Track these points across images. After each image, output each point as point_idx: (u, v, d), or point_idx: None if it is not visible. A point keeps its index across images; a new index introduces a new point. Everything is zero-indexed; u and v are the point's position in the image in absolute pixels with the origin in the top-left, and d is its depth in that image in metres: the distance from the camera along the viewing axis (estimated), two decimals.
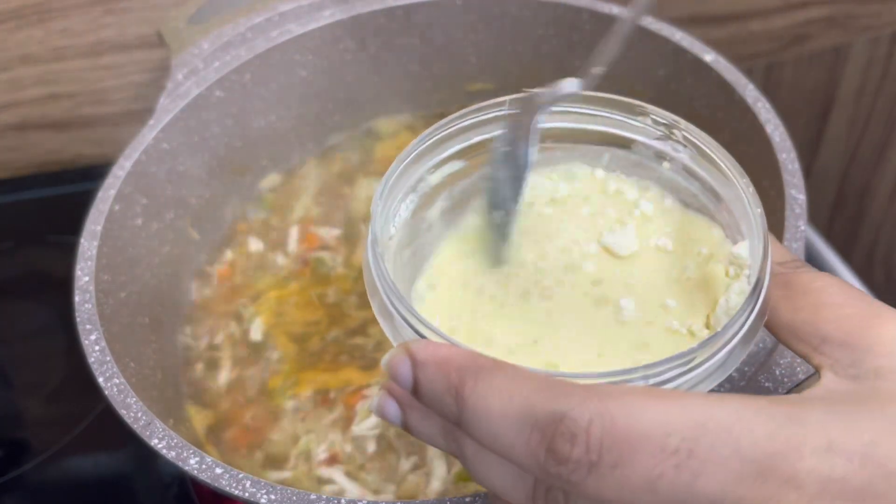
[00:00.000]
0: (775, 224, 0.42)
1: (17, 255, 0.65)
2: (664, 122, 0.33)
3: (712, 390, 0.27)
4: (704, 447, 0.21)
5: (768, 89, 0.80)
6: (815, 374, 0.26)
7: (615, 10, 0.53)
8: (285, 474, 0.45)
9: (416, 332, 0.27)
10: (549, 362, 0.29)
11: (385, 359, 0.26)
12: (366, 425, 0.46)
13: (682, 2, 0.72)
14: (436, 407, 0.25)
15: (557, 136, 0.34)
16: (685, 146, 0.33)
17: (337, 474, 0.44)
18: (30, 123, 0.71)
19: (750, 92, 0.47)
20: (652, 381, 0.25)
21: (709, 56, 0.49)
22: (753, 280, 0.28)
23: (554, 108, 0.34)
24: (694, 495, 0.21)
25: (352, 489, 0.43)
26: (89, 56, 0.68)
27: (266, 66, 0.55)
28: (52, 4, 0.64)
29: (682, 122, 0.32)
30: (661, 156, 0.33)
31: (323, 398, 0.47)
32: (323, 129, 0.61)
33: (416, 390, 0.25)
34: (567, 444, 0.22)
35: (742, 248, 0.31)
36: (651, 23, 0.52)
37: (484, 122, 0.34)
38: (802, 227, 0.41)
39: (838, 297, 0.26)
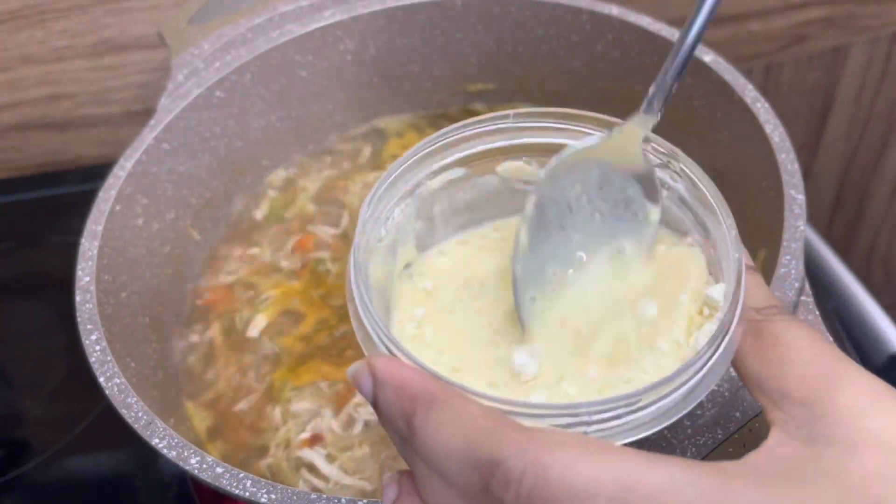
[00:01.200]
0: (775, 224, 0.42)
1: (18, 255, 0.65)
2: (664, 151, 0.33)
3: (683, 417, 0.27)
4: None
5: (768, 90, 0.80)
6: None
7: (615, 10, 0.53)
8: (268, 460, 0.45)
9: (386, 347, 0.28)
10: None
11: (350, 370, 0.27)
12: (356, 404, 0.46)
13: (681, 2, 0.72)
14: (390, 426, 0.26)
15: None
16: (681, 177, 0.33)
17: (317, 457, 0.44)
18: (31, 124, 0.71)
19: (749, 92, 0.47)
20: (596, 417, 0.26)
21: (708, 56, 0.49)
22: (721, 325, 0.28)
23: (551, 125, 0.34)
24: None
25: (329, 470, 0.44)
26: (90, 56, 0.68)
27: (266, 67, 0.55)
28: (53, 5, 0.65)
29: (681, 154, 0.32)
30: (660, 184, 0.33)
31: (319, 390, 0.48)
32: (323, 130, 0.61)
33: (374, 406, 0.26)
34: (501, 489, 0.23)
35: (716, 291, 0.31)
36: (650, 23, 0.52)
37: (486, 133, 0.34)
38: (802, 228, 0.41)
39: (806, 353, 0.26)
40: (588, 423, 0.26)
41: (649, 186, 0.33)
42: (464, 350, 0.32)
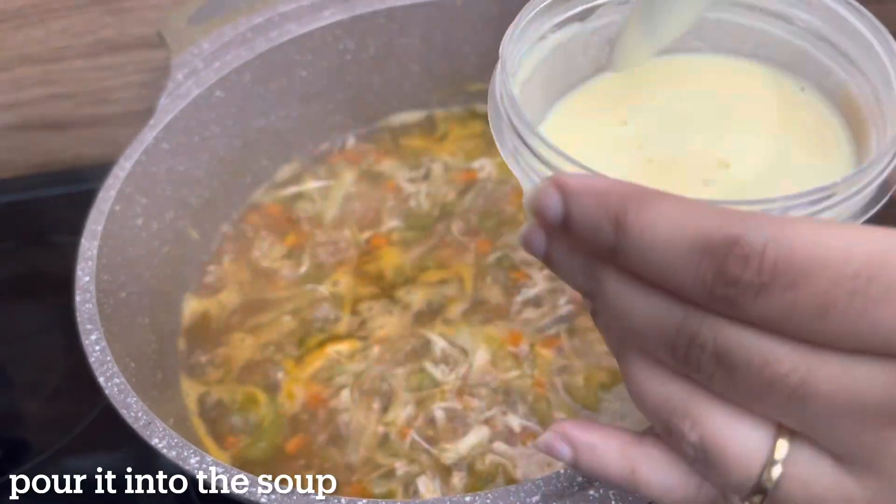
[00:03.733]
0: None
1: (18, 255, 0.65)
2: None
3: None
4: (886, 276, 0.20)
5: None
6: None
7: None
8: None
9: (554, 166, 0.26)
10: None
11: (529, 194, 0.24)
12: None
13: None
14: (588, 236, 0.23)
15: None
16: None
17: None
18: (30, 124, 0.71)
19: None
20: (791, 210, 0.25)
21: None
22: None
23: None
24: (871, 325, 0.20)
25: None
26: (90, 56, 0.68)
27: (266, 67, 0.55)
28: (53, 5, 0.65)
29: None
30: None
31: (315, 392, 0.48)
32: (323, 130, 0.61)
33: (567, 221, 0.24)
34: (739, 266, 0.21)
35: None
36: None
37: None
38: None
39: None
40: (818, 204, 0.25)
41: None
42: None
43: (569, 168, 0.26)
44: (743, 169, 0.33)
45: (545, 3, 0.34)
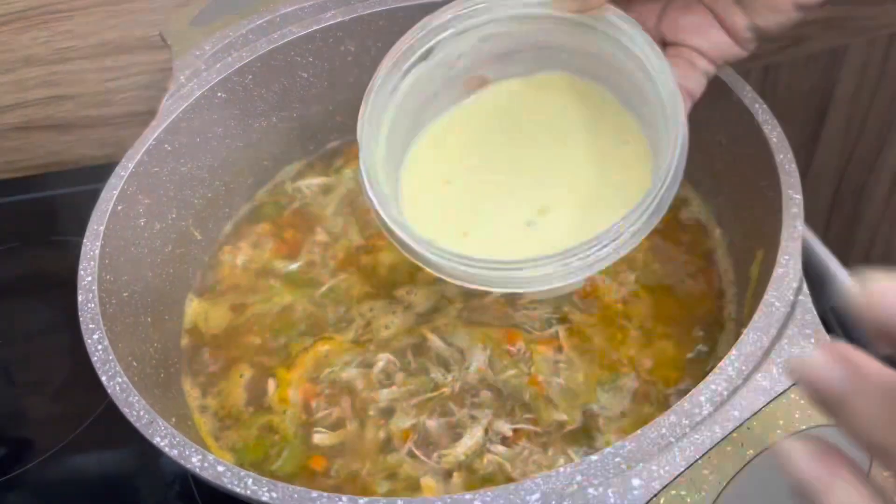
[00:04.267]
0: (773, 224, 0.42)
1: (21, 254, 0.65)
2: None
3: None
4: None
5: (766, 91, 0.80)
6: None
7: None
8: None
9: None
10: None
11: (795, 363, 0.23)
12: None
13: None
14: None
15: None
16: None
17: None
18: (34, 124, 0.72)
19: (747, 94, 0.47)
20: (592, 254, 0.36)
21: None
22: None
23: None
24: None
25: None
26: (93, 58, 0.68)
27: (268, 68, 0.56)
28: (56, 6, 0.65)
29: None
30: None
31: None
32: (324, 131, 0.61)
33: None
34: None
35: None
36: None
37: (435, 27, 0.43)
38: (799, 228, 0.41)
39: None
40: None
41: None
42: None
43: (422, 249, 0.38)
44: (560, 212, 0.41)
45: (391, 62, 0.42)
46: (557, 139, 0.43)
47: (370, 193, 0.39)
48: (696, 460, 0.34)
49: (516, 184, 0.42)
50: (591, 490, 0.33)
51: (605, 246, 0.36)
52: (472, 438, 0.44)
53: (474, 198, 0.43)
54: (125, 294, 0.47)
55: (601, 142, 0.42)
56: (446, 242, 0.39)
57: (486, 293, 0.50)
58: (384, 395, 0.46)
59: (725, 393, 0.35)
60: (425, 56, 0.43)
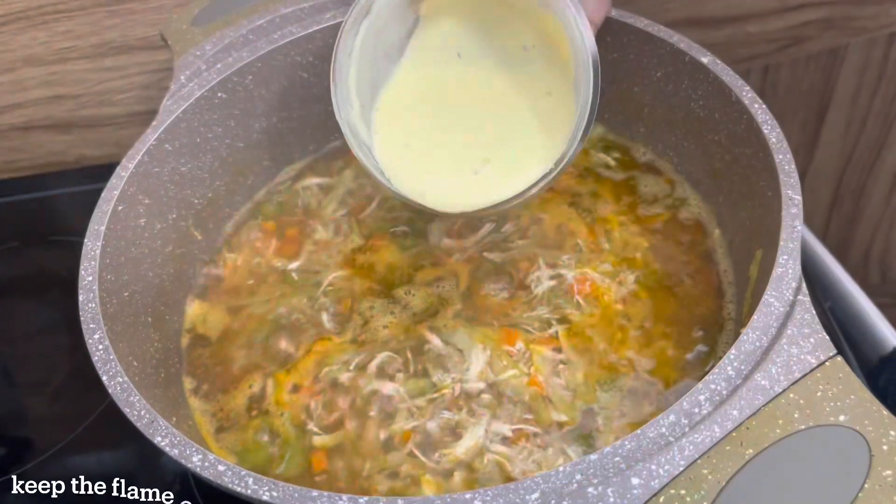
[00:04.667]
0: (772, 224, 0.42)
1: (22, 254, 0.65)
2: None
3: None
4: None
5: (765, 91, 0.81)
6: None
7: (613, 12, 0.53)
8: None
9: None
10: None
11: None
12: None
13: (679, 4, 0.73)
14: None
15: None
16: None
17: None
18: (34, 124, 0.72)
19: (747, 94, 0.47)
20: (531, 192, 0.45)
21: (706, 58, 0.49)
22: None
23: None
24: None
25: None
26: (93, 58, 0.68)
27: (268, 68, 0.56)
28: (57, 7, 0.65)
29: None
30: None
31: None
32: (324, 131, 0.61)
33: None
34: None
35: None
36: (649, 25, 0.52)
37: None
38: (799, 228, 0.41)
39: None
40: None
41: None
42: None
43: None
44: (499, 164, 0.47)
45: (344, 27, 0.47)
46: (492, 98, 0.49)
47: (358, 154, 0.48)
48: (696, 460, 0.34)
49: (461, 142, 0.49)
50: (590, 489, 0.33)
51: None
52: (472, 438, 0.44)
53: (430, 159, 0.49)
54: (126, 294, 0.47)
55: (528, 95, 0.49)
56: (415, 197, 0.47)
57: (486, 293, 0.50)
58: (384, 396, 0.47)
59: (725, 393, 0.36)
60: (367, 13, 0.48)
